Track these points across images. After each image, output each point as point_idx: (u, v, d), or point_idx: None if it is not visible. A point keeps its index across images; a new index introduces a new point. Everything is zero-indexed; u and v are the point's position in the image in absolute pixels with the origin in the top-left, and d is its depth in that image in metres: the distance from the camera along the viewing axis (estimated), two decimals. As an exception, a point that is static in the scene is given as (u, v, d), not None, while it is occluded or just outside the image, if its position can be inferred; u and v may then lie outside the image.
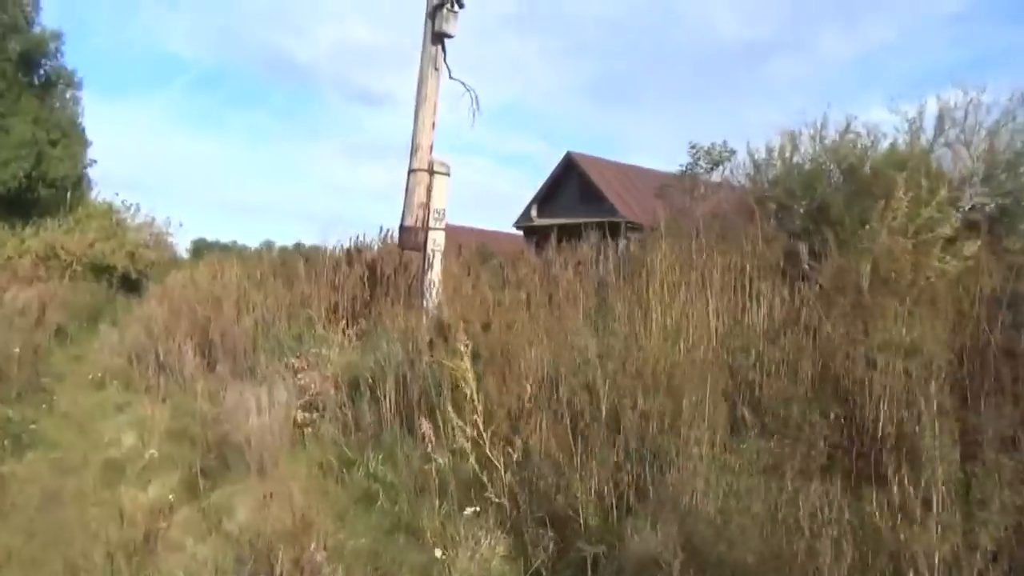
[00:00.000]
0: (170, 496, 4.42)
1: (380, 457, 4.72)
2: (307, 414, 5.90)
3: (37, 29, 24.95)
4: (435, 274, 8.31)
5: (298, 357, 7.19)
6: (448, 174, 8.46)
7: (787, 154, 9.56)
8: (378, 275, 9.58)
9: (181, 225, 29.35)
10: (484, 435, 3.44)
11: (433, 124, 8.40)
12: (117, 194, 25.55)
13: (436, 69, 8.38)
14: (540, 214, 25.55)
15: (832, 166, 9.12)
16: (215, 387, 7.81)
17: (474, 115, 9.06)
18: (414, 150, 8.33)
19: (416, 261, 9.75)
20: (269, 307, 9.57)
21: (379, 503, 4.16)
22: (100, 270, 23.17)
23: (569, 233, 13.94)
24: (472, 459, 3.53)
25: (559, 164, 24.89)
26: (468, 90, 8.94)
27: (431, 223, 8.31)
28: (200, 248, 39.99)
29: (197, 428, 6.40)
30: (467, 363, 3.49)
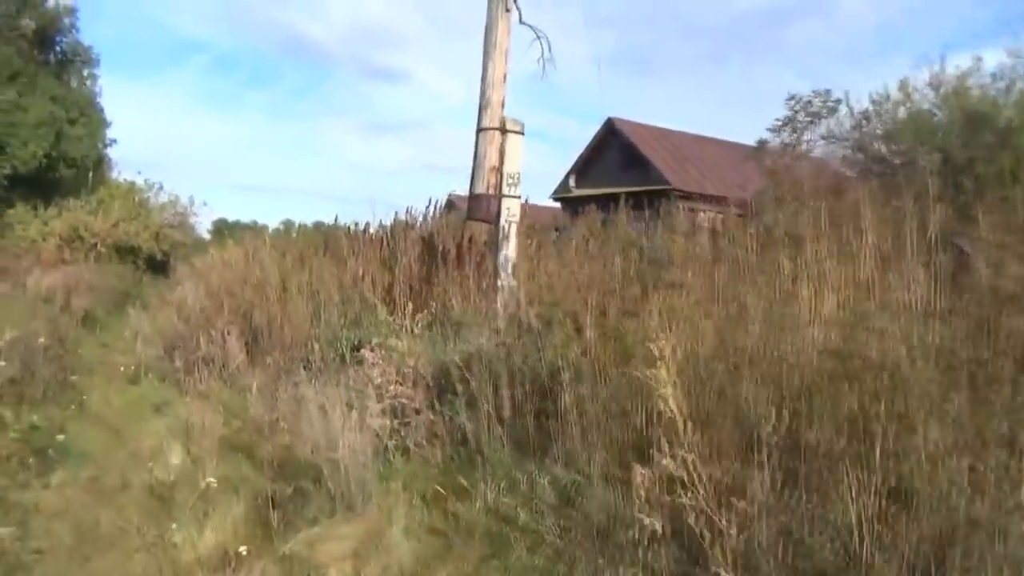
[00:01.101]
0: (239, 546, 3.39)
1: (501, 487, 3.66)
2: (386, 421, 4.86)
3: (51, 4, 23.95)
4: (511, 249, 7.22)
5: (370, 349, 6.16)
6: (522, 133, 7.33)
7: (906, 103, 8.36)
8: (438, 252, 8.50)
9: (205, 204, 28.48)
10: (697, 477, 2.36)
11: (505, 75, 7.25)
12: (139, 173, 24.59)
13: (507, 11, 7.21)
14: (579, 184, 24.31)
15: (956, 116, 7.91)
16: (266, 383, 6.83)
17: (544, 66, 7.91)
18: (483, 106, 7.20)
19: (479, 235, 8.68)
20: (318, 289, 8.55)
21: (516, 554, 3.11)
22: (125, 251, 22.37)
23: (610, 203, 12.72)
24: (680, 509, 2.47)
25: (599, 131, 23.55)
26: (539, 36, 7.78)
27: (505, 189, 7.20)
28: (221, 228, 39.14)
29: (253, 437, 5.41)
30: (669, 372, 2.42)
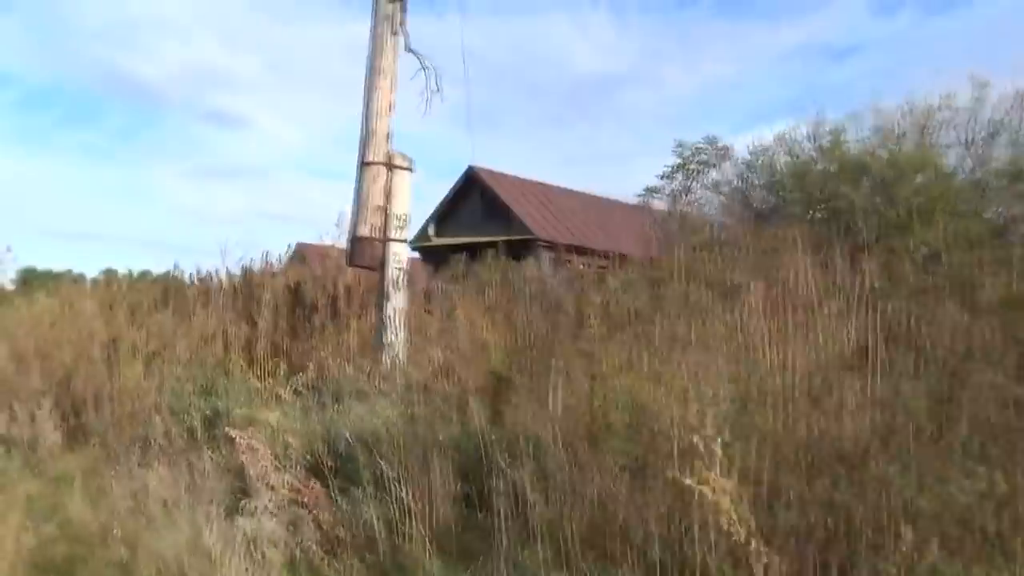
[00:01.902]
0: None
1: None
2: (266, 523, 3.76)
3: None
4: (400, 300, 6.33)
5: (236, 428, 5.01)
6: (412, 169, 6.53)
7: (786, 155, 8.48)
8: (307, 303, 7.42)
9: (9, 250, 24.82)
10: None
11: (391, 105, 6.45)
12: (-74, 213, 20.94)
13: (394, 34, 6.46)
14: (439, 233, 23.66)
15: (836, 167, 8.09)
16: (91, 470, 5.42)
17: (429, 99, 7.21)
18: (366, 138, 6.34)
19: (355, 283, 7.70)
20: (158, 349, 7.15)
21: None
22: (-97, 305, 18.86)
23: (472, 253, 12.16)
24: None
25: (459, 179, 23.09)
26: (425, 66, 7.08)
27: (391, 232, 6.34)
28: (29, 278, 34.54)
29: (74, 551, 4.10)
30: (727, 482, 1.69)
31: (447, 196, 23.52)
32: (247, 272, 9.73)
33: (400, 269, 6.37)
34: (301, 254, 22.56)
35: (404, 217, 6.43)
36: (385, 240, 6.29)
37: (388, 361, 6.15)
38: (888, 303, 4.46)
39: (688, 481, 1.70)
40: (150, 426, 5.72)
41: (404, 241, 6.44)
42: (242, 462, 4.65)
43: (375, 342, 6.37)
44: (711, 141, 12.70)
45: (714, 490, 1.68)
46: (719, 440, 1.74)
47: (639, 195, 13.28)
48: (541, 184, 23.47)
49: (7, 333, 9.75)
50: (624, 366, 3.07)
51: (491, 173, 22.37)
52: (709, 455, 1.71)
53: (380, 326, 6.31)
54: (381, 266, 6.30)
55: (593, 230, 21.58)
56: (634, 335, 3.98)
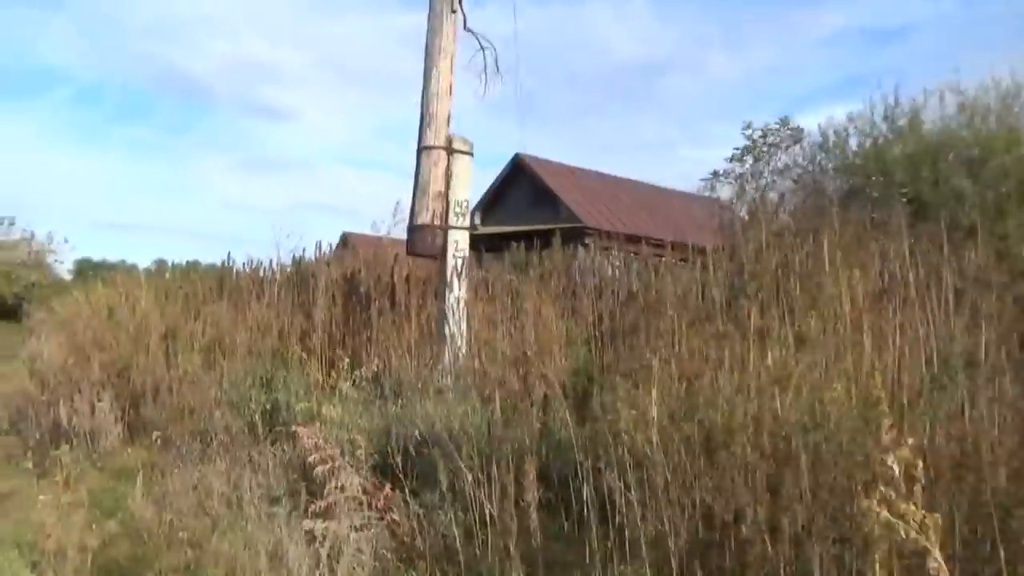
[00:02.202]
0: None
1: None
2: (334, 525, 3.54)
3: None
4: (461, 290, 6.08)
5: (301, 423, 4.84)
6: (472, 153, 6.26)
7: (861, 136, 7.97)
8: (365, 294, 7.22)
9: (66, 241, 25.38)
10: None
11: (451, 86, 6.19)
12: (-15, 206, 21.57)
13: (453, 11, 6.19)
14: (485, 222, 23.40)
15: (917, 148, 7.56)
16: (151, 465, 5.31)
17: (487, 81, 6.92)
18: (425, 122, 6.09)
19: (415, 272, 7.48)
20: (217, 340, 7.05)
21: None
22: (-33, 295, 19.42)
23: (519, 241, 11.80)
24: None
25: (505, 168, 22.81)
26: (483, 47, 6.80)
27: (452, 220, 6.09)
28: (85, 269, 35.41)
29: (137, 551, 3.95)
30: (930, 516, 1.39)
31: (493, 184, 23.24)
32: (300, 262, 9.62)
33: (461, 257, 6.12)
34: (350, 244, 22.54)
35: (464, 203, 6.18)
36: (446, 228, 6.05)
37: (450, 354, 5.92)
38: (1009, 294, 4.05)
39: (878, 511, 1.39)
40: (210, 419, 5.59)
41: (465, 229, 6.18)
42: (307, 459, 4.46)
43: (438, 333, 6.13)
44: (783, 122, 11.94)
45: (914, 526, 1.36)
46: (918, 465, 1.43)
47: (704, 179, 12.57)
48: (589, 171, 23.03)
49: (66, 324, 9.81)
50: (734, 364, 2.75)
51: (538, 160, 22.01)
52: (907, 482, 1.40)
53: (441, 317, 6.08)
54: (442, 255, 6.06)
55: (644, 218, 21.08)
56: (723, 330, 3.66)
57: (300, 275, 8.71)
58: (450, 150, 6.08)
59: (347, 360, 5.34)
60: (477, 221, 26.18)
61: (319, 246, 10.36)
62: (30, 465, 5.57)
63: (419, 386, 5.57)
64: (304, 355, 6.87)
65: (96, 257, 39.65)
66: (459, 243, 6.13)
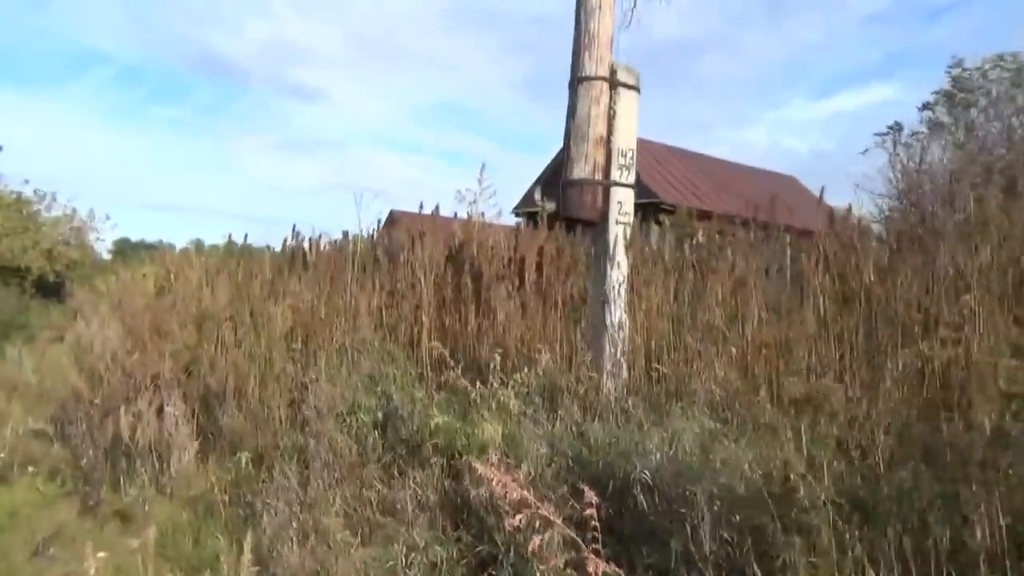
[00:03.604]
0: None
1: None
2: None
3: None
4: (623, 267, 4.66)
5: (440, 440, 3.52)
6: (639, 89, 4.81)
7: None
8: (474, 273, 5.84)
9: (108, 219, 24.43)
10: None
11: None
12: (27, 181, 20.58)
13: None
14: (545, 196, 21.92)
15: None
16: (236, 488, 4.03)
17: (632, 18, 5.43)
18: (583, 43, 4.65)
19: (546, 246, 6.07)
20: (296, 327, 5.74)
21: None
22: (9, 272, 18.51)
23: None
24: None
25: (569, 138, 21.31)
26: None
27: (615, 174, 4.66)
28: (124, 248, 34.67)
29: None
30: None
31: (556, 157, 21.74)
32: (376, 238, 8.33)
33: (626, 223, 4.70)
34: (394, 220, 21.21)
35: (630, 154, 4.74)
36: (608, 184, 4.62)
37: (612, 350, 4.53)
38: None
39: None
40: (308, 431, 4.29)
41: (630, 186, 4.75)
42: (473, 499, 3.13)
43: (592, 323, 4.73)
44: (1000, 59, 9.51)
45: None
46: None
47: (879, 134, 10.57)
48: (658, 144, 21.39)
49: (116, 306, 8.60)
50: None
51: (605, 130, 20.46)
52: None
53: (597, 302, 4.67)
54: (602, 218, 4.64)
55: (719, 194, 19.46)
56: None
57: (388, 253, 7.39)
58: (613, 83, 4.63)
59: (496, 357, 3.99)
60: (537, 197, 24.72)
61: (379, 223, 9.11)
62: (84, 492, 4.33)
63: (581, 393, 4.20)
64: (406, 348, 5.57)
65: (134, 237, 38.98)
66: (623, 204, 4.70)
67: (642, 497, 2.83)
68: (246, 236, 10.08)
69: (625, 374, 4.48)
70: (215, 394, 5.00)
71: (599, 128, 4.61)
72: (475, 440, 3.70)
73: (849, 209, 5.19)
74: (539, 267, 5.42)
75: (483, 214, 7.43)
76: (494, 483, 2.60)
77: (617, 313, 4.59)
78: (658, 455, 2.98)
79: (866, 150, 10.35)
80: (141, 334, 6.25)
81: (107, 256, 28.16)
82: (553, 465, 3.28)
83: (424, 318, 5.68)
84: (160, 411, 4.65)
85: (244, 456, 4.09)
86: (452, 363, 4.00)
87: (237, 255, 10.24)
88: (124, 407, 4.72)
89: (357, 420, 4.39)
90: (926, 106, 9.99)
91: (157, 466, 4.27)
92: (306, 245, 8.22)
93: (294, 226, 8.93)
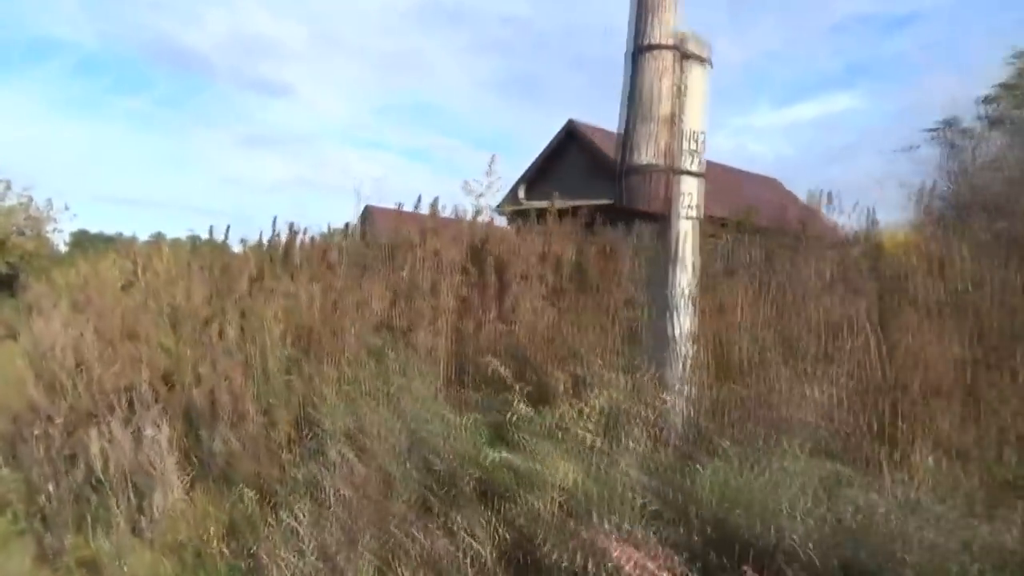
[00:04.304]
0: None
1: None
2: None
3: None
4: (689, 268, 3.99)
5: (488, 477, 2.83)
6: (710, 62, 4.15)
7: None
8: (497, 273, 5.14)
9: (67, 209, 23.10)
10: None
11: (682, -43, 4.06)
12: (-20, 168, 19.28)
13: None
14: (529, 196, 21.30)
15: None
16: (234, 531, 3.27)
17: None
18: (646, 6, 3.97)
19: (580, 243, 5.39)
20: (291, 331, 4.96)
21: None
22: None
23: (567, 217, 9.78)
24: None
25: (556, 136, 20.54)
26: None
27: (682, 160, 3.98)
28: (82, 240, 33.10)
29: None
30: None
31: (542, 153, 21.08)
32: (367, 235, 7.64)
33: (695, 219, 4.03)
34: (369, 216, 20.35)
35: (701, 137, 4.07)
36: (676, 171, 3.95)
37: (680, 370, 3.87)
38: None
39: None
40: (322, 459, 3.55)
41: (700, 175, 4.09)
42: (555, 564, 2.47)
43: (651, 334, 4.06)
44: None
45: None
46: None
47: (931, 129, 9.82)
48: (650, 141, 20.84)
49: (78, 303, 7.69)
50: None
51: (593, 128, 19.82)
52: None
53: (656, 310, 3.99)
54: (670, 211, 3.97)
55: (718, 198, 18.94)
56: None
57: (389, 248, 6.65)
58: (683, 53, 3.97)
59: (565, 378, 3.30)
60: (522, 195, 23.99)
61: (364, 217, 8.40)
62: (40, 533, 3.53)
63: (650, 419, 3.51)
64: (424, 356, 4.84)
65: (93, 230, 37.28)
66: (692, 197, 4.03)
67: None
68: (211, 230, 9.21)
69: (694, 396, 3.82)
70: (200, 411, 4.21)
71: (666, 106, 3.93)
72: (537, 478, 3.01)
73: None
74: (580, 268, 4.73)
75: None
76: (627, 565, 1.92)
77: (684, 323, 3.92)
78: (805, 516, 2.31)
79: (916, 146, 9.77)
80: (111, 336, 5.42)
81: (64, 248, 26.73)
82: (652, 520, 2.59)
83: (443, 324, 4.96)
84: (136, 432, 3.85)
85: (246, 492, 3.33)
86: (510, 379, 3.29)
87: (209, 249, 9.35)
88: (92, 426, 3.91)
89: (378, 446, 3.66)
90: (987, 100, 9.51)
91: (134, 502, 3.47)
92: (296, 240, 7.42)
93: (274, 219, 8.11)
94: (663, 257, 4.03)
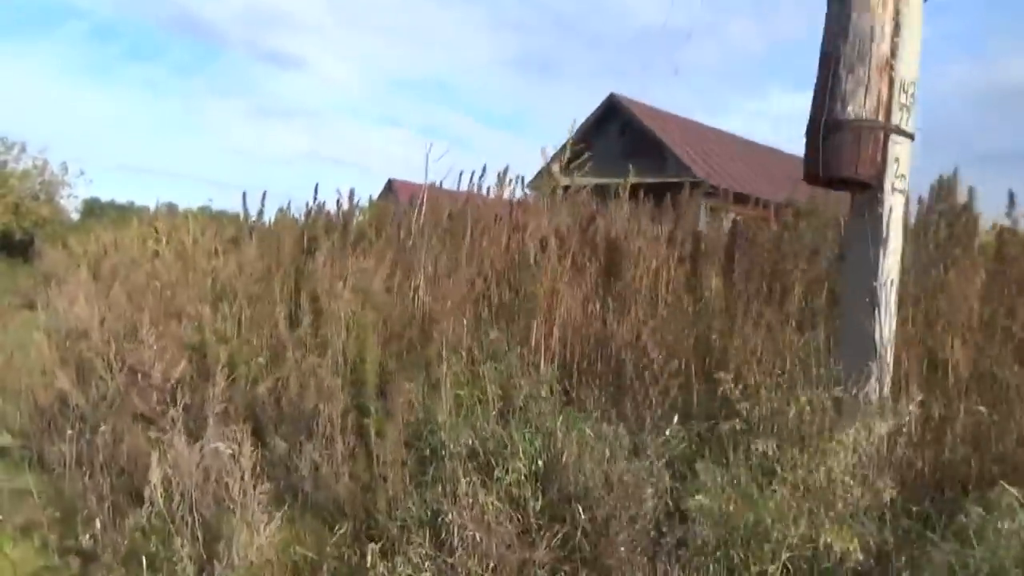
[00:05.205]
0: None
1: None
2: None
3: None
4: (894, 254, 3.15)
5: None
6: (927, -5, 3.28)
7: None
8: (623, 257, 4.29)
9: (83, 174, 22.23)
10: None
11: None
12: (-7, 130, 18.46)
13: None
14: (564, 174, 20.34)
15: None
16: (320, 564, 2.48)
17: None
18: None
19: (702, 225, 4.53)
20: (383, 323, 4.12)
21: None
22: (-31, 229, 16.57)
23: (604, 194, 8.86)
24: None
25: (595, 111, 19.60)
26: None
27: (896, 117, 3.12)
28: (93, 208, 32.36)
29: None
30: None
31: (579, 128, 20.12)
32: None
33: (904, 191, 3.18)
34: (392, 189, 19.46)
35: (912, 89, 3.21)
36: (888, 129, 3.10)
37: (881, 377, 3.04)
38: None
39: None
40: (443, 490, 2.75)
41: (909, 136, 3.23)
42: None
43: (845, 333, 3.21)
44: None
45: None
46: None
47: None
48: (695, 122, 19.88)
49: (102, 275, 6.88)
50: None
51: (636, 103, 18.84)
52: None
53: (856, 305, 3.14)
54: (881, 181, 3.12)
55: (756, 178, 18.03)
56: None
57: (457, 224, 5.83)
58: (901, -17, 3.10)
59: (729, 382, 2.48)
60: (556, 171, 23.12)
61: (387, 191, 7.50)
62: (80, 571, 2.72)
63: (849, 443, 2.68)
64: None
65: (104, 198, 36.49)
66: (900, 162, 3.18)
67: None
68: (244, 196, 8.18)
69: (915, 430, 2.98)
70: (271, 416, 3.40)
71: (883, 46, 3.07)
72: (760, 534, 2.19)
73: None
74: (728, 251, 3.88)
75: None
76: None
77: (888, 321, 3.09)
78: None
79: None
80: (148, 314, 4.60)
81: (75, 216, 25.92)
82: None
83: (556, 314, 4.13)
84: (196, 441, 3.04)
85: (347, 529, 2.52)
86: (731, 388, 2.46)
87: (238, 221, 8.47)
88: (142, 431, 3.11)
89: (507, 472, 2.85)
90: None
91: (201, 538, 2.66)
92: (354, 211, 6.59)
93: (316, 187, 7.15)
94: (865, 239, 3.18)
